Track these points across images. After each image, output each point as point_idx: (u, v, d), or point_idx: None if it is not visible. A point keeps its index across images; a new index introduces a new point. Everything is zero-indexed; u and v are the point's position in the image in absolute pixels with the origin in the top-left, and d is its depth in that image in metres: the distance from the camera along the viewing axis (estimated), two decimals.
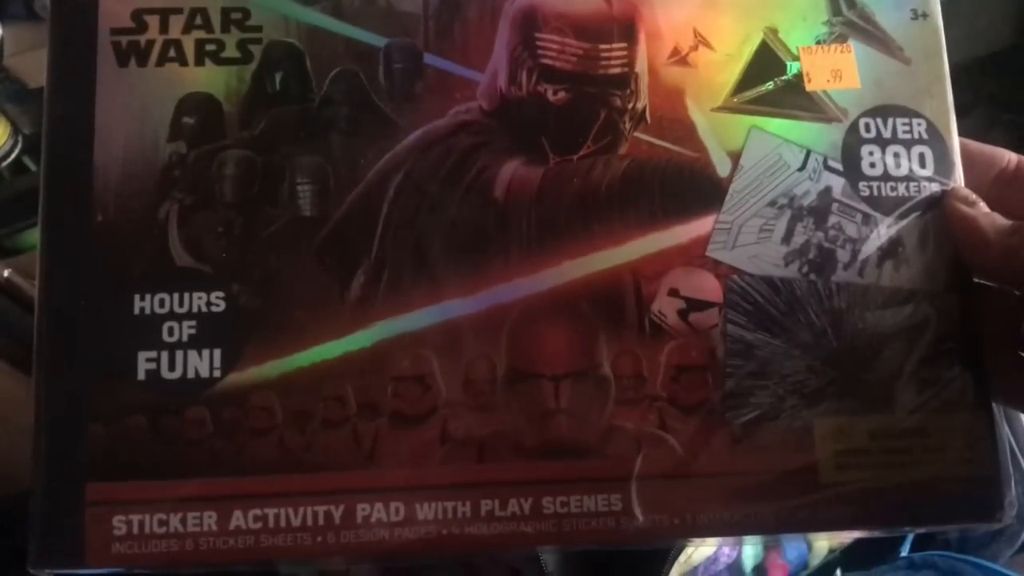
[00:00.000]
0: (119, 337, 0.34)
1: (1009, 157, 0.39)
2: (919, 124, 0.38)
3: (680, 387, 0.36)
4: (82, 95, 0.36)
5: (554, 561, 0.49)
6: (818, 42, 0.39)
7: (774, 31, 0.38)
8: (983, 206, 0.37)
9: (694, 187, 0.37)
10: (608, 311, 0.36)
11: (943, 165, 0.38)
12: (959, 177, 0.38)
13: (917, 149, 0.38)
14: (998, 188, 0.39)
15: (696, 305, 0.36)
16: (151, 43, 0.36)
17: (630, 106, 0.37)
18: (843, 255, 0.37)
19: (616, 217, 0.36)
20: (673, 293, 0.36)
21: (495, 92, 0.37)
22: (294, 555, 0.34)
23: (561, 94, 0.37)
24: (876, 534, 0.39)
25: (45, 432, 0.34)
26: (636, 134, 0.37)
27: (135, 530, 0.33)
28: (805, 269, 0.37)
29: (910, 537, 0.49)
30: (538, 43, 0.37)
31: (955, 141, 0.39)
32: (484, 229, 0.36)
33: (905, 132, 0.38)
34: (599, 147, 0.37)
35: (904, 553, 0.52)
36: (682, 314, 0.36)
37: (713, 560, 0.57)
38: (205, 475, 0.34)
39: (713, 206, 0.37)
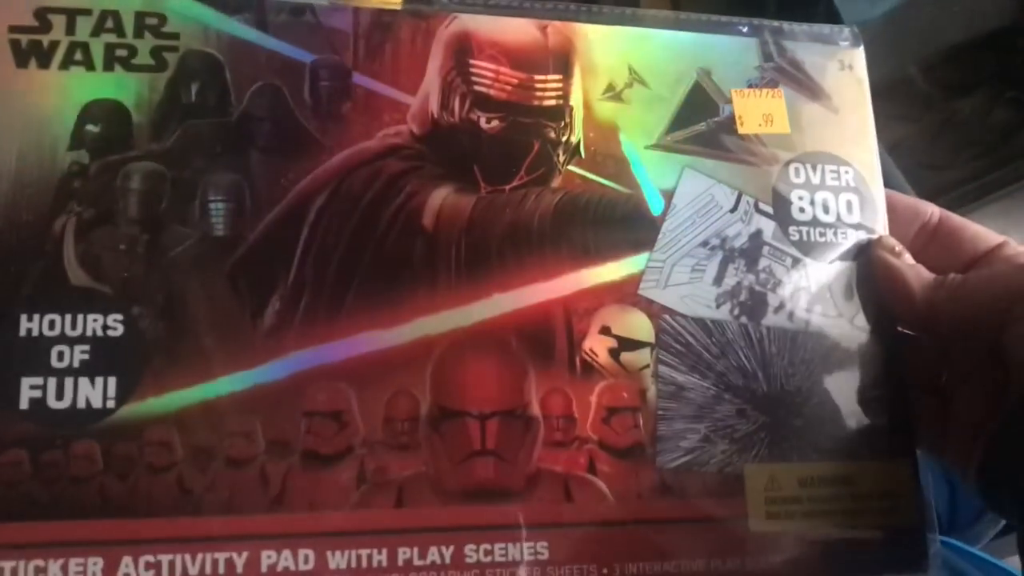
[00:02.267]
0: (1, 361, 0.31)
1: (932, 211, 0.40)
2: (847, 172, 0.39)
3: (610, 429, 0.34)
4: None
5: None
6: (750, 85, 0.39)
7: (707, 72, 0.38)
8: (908, 257, 0.37)
9: (627, 224, 0.36)
10: (538, 347, 0.34)
11: (869, 213, 0.38)
12: (884, 226, 0.39)
13: (845, 196, 0.38)
14: (920, 241, 0.39)
15: (628, 344, 0.35)
16: (55, 44, 0.33)
17: (564, 139, 0.36)
18: (773, 299, 0.36)
19: (548, 250, 0.35)
20: (605, 331, 0.35)
21: (426, 116, 0.36)
22: None
23: (495, 123, 0.36)
24: None
25: None
26: (570, 167, 0.36)
27: None
28: (736, 311, 0.36)
29: None
30: (472, 70, 0.36)
31: (880, 191, 0.39)
32: (411, 258, 0.34)
33: (833, 179, 0.38)
34: (532, 178, 0.36)
35: None
36: (613, 353, 0.35)
37: None
38: (91, 516, 0.30)
39: (646, 244, 0.36)
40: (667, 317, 0.35)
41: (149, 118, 0.34)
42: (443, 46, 0.36)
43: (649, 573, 0.33)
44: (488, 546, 0.32)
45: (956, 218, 0.39)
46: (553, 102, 0.37)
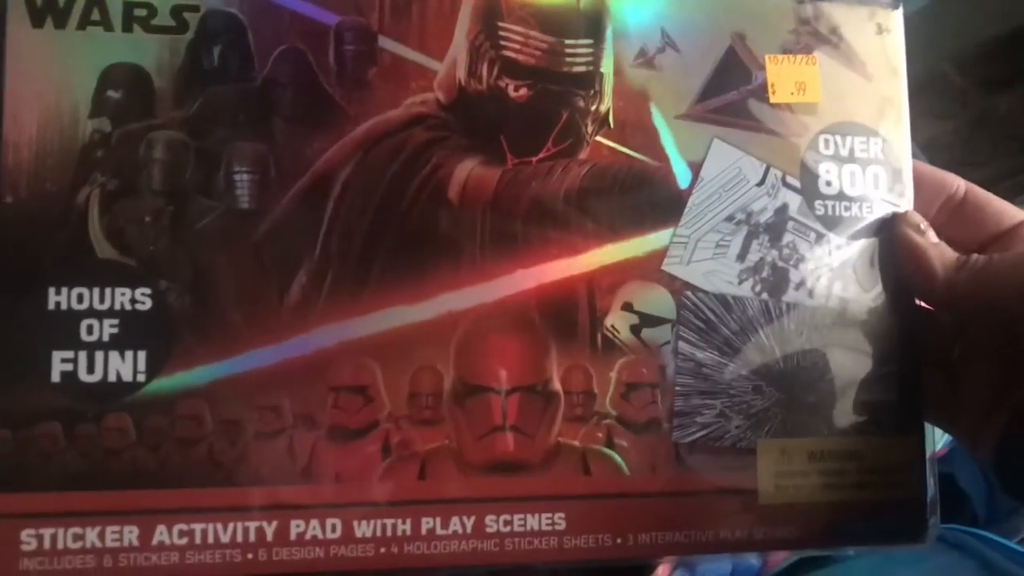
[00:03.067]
0: (31, 334, 0.31)
1: (958, 184, 0.39)
2: (876, 144, 0.38)
3: (629, 405, 0.35)
4: None
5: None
6: (785, 51, 0.38)
7: (742, 37, 0.37)
8: (932, 235, 0.37)
9: (654, 198, 0.36)
10: (561, 324, 0.35)
11: (896, 187, 0.38)
12: (911, 200, 0.38)
13: (872, 169, 0.38)
14: (944, 214, 0.39)
15: (649, 321, 0.35)
16: (71, 2, 0.32)
17: (593, 108, 0.36)
18: (795, 275, 0.37)
19: (573, 226, 0.35)
20: (627, 307, 0.35)
21: (453, 84, 0.35)
22: (222, 573, 0.32)
23: (522, 91, 0.35)
24: (808, 554, 0.40)
25: None
26: (598, 138, 0.36)
27: (47, 545, 0.31)
28: (758, 288, 0.36)
29: None
30: (501, 33, 0.35)
31: (908, 163, 0.38)
32: (436, 232, 0.34)
33: (862, 151, 0.38)
34: (559, 150, 0.35)
35: None
36: (635, 329, 0.35)
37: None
38: (126, 487, 0.31)
39: (671, 219, 0.36)
40: (689, 293, 0.36)
41: (171, 84, 0.33)
42: (471, 7, 0.35)
43: (661, 542, 0.35)
44: (508, 516, 0.34)
45: (982, 193, 0.39)
46: (583, 68, 0.36)
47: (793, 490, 0.36)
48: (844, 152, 0.38)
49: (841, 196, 0.37)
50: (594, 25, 0.36)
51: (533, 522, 0.34)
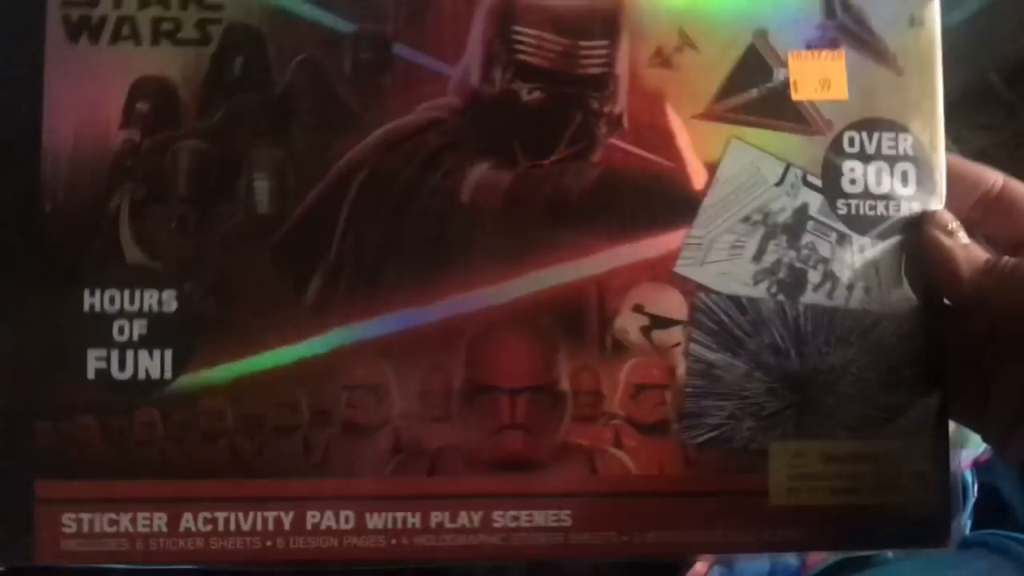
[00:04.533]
0: (69, 333, 0.34)
1: (995, 179, 0.38)
2: (905, 140, 0.37)
3: (638, 406, 0.35)
4: (30, 72, 0.34)
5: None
6: (808, 47, 0.37)
7: (763, 34, 0.36)
8: (962, 236, 0.36)
9: (667, 199, 0.36)
10: (570, 326, 0.35)
11: (926, 185, 0.37)
12: (941, 198, 0.37)
13: (901, 166, 0.37)
14: (980, 210, 0.38)
15: (660, 323, 0.36)
16: (104, 18, 0.34)
17: (607, 110, 0.36)
18: (814, 276, 0.36)
19: (585, 228, 0.35)
20: (638, 309, 0.35)
21: (467, 89, 0.35)
22: (243, 559, 0.34)
23: (536, 93, 0.35)
24: (824, 555, 0.40)
25: None
26: (612, 140, 0.36)
27: (85, 528, 0.33)
28: (774, 289, 0.36)
29: (968, 519, 0.50)
30: (515, 37, 0.35)
31: (941, 159, 0.37)
32: (448, 235, 0.35)
33: (890, 148, 0.37)
34: (572, 152, 0.36)
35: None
36: (645, 331, 0.35)
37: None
38: (155, 477, 0.34)
39: (685, 220, 0.36)
40: (702, 295, 0.36)
41: (195, 94, 0.34)
42: (486, 12, 0.35)
43: (667, 541, 0.35)
44: (515, 512, 0.35)
45: (1020, 189, 0.38)
46: (598, 70, 0.36)
47: (806, 492, 0.36)
48: (871, 149, 0.37)
49: (866, 194, 0.37)
50: (609, 25, 0.36)
51: (540, 518, 0.35)
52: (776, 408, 0.36)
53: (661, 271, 0.36)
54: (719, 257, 0.36)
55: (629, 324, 0.35)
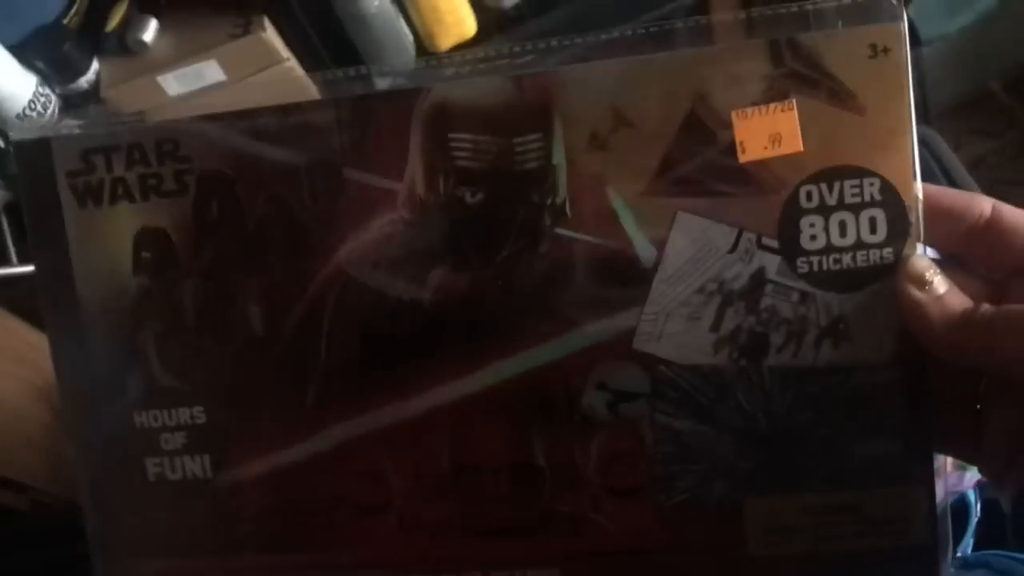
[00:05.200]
0: (131, 447, 0.41)
1: (983, 208, 0.35)
2: (872, 184, 0.35)
3: (611, 473, 0.38)
4: (56, 240, 0.40)
5: None
6: (754, 103, 0.35)
7: (703, 97, 0.35)
8: (937, 285, 0.34)
9: (618, 280, 0.36)
10: (539, 406, 0.38)
11: (898, 227, 0.35)
12: (918, 237, 0.35)
13: (867, 213, 0.35)
14: (969, 241, 0.36)
15: (624, 397, 0.37)
16: (101, 182, 0.39)
17: (548, 201, 0.36)
18: (776, 338, 0.36)
19: (541, 316, 0.37)
20: (601, 387, 0.37)
21: (415, 201, 0.37)
22: None
23: (479, 196, 0.37)
24: None
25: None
26: (557, 230, 0.37)
27: None
28: (735, 355, 0.36)
29: (970, 538, 0.49)
30: (451, 144, 0.37)
31: (916, 196, 0.35)
32: (417, 334, 0.38)
33: (854, 195, 0.35)
34: (519, 247, 0.37)
35: (960, 553, 0.51)
36: (611, 406, 0.37)
37: None
38: (219, 552, 0.41)
39: (638, 298, 0.36)
40: (663, 367, 0.37)
41: (185, 238, 0.39)
42: (420, 124, 0.37)
43: None
44: (509, 573, 0.39)
45: (1010, 217, 0.35)
46: (535, 164, 0.36)
47: (785, 544, 0.37)
48: (831, 200, 0.35)
49: (829, 249, 0.35)
50: (541, 118, 0.36)
51: None
52: (748, 468, 0.37)
53: (621, 348, 0.37)
54: (676, 329, 0.37)
55: (595, 401, 0.37)
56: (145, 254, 0.39)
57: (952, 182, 0.80)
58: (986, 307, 0.33)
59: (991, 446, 0.36)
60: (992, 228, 0.35)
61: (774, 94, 0.35)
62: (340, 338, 0.39)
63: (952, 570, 0.47)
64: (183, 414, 0.40)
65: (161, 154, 0.39)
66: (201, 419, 0.40)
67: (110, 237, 0.40)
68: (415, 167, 0.37)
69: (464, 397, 0.38)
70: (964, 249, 0.36)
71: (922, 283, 0.34)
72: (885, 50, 0.34)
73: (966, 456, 0.38)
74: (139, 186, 0.39)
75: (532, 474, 0.38)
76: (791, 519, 0.37)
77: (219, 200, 0.39)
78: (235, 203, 0.39)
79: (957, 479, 0.40)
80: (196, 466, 0.41)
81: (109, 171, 0.39)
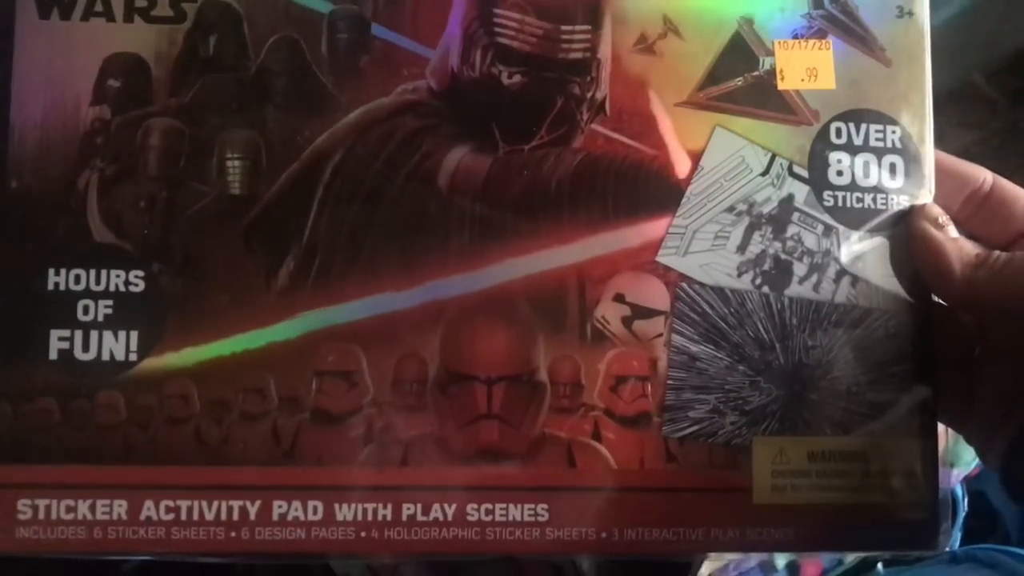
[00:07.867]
0: (31, 313, 0.33)
1: (984, 177, 0.37)
2: (894, 132, 0.36)
3: (618, 397, 0.34)
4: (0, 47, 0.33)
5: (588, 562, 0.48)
6: (795, 36, 0.36)
7: (749, 22, 0.36)
8: (952, 229, 0.35)
9: (649, 187, 0.35)
10: (549, 314, 0.34)
11: (915, 178, 0.36)
12: (930, 192, 0.36)
13: (889, 159, 0.36)
14: (969, 208, 0.37)
15: (642, 312, 0.35)
16: None
17: (589, 95, 0.35)
18: (799, 268, 0.35)
19: (564, 215, 0.34)
20: (619, 298, 0.34)
21: (446, 71, 0.35)
22: (206, 549, 0.33)
23: (516, 78, 0.35)
24: (810, 556, 0.39)
25: None
26: (593, 126, 0.35)
27: (41, 515, 0.32)
28: (759, 281, 0.35)
29: (958, 532, 0.49)
30: (495, 19, 0.35)
31: (930, 153, 0.37)
32: (424, 220, 0.34)
33: (878, 140, 0.36)
34: (552, 138, 0.35)
35: (949, 548, 0.51)
36: (626, 321, 0.34)
37: (745, 557, 0.55)
38: (116, 462, 0.33)
39: (668, 208, 0.35)
40: (684, 285, 0.35)
41: (168, 72, 0.34)
42: None
43: (648, 539, 0.34)
44: (489, 505, 0.34)
45: (1010, 187, 0.37)
46: (579, 55, 0.35)
47: (790, 490, 0.35)
48: (858, 140, 0.36)
49: (853, 186, 0.36)
50: (592, 11, 0.35)
51: (515, 512, 0.34)
52: (760, 402, 0.35)
53: (643, 260, 0.35)
54: (702, 247, 0.35)
55: (610, 313, 0.34)
56: (112, 82, 0.33)
57: None
58: (999, 252, 0.34)
59: (981, 409, 0.36)
60: (993, 197, 0.37)
61: (813, 32, 0.36)
62: (332, 212, 0.34)
63: (941, 566, 0.46)
64: (116, 278, 0.33)
65: None
66: (138, 287, 0.33)
67: (72, 57, 0.33)
68: (452, 36, 0.35)
69: (467, 294, 0.34)
70: (966, 214, 0.37)
71: (939, 224, 0.35)
72: (910, 13, 0.37)
73: (955, 421, 0.37)
74: (124, 5, 0.34)
75: (531, 390, 0.34)
76: (798, 464, 0.35)
77: (220, 36, 0.34)
78: (238, 42, 0.34)
79: (944, 476, 0.39)
80: (118, 345, 0.33)
81: None
